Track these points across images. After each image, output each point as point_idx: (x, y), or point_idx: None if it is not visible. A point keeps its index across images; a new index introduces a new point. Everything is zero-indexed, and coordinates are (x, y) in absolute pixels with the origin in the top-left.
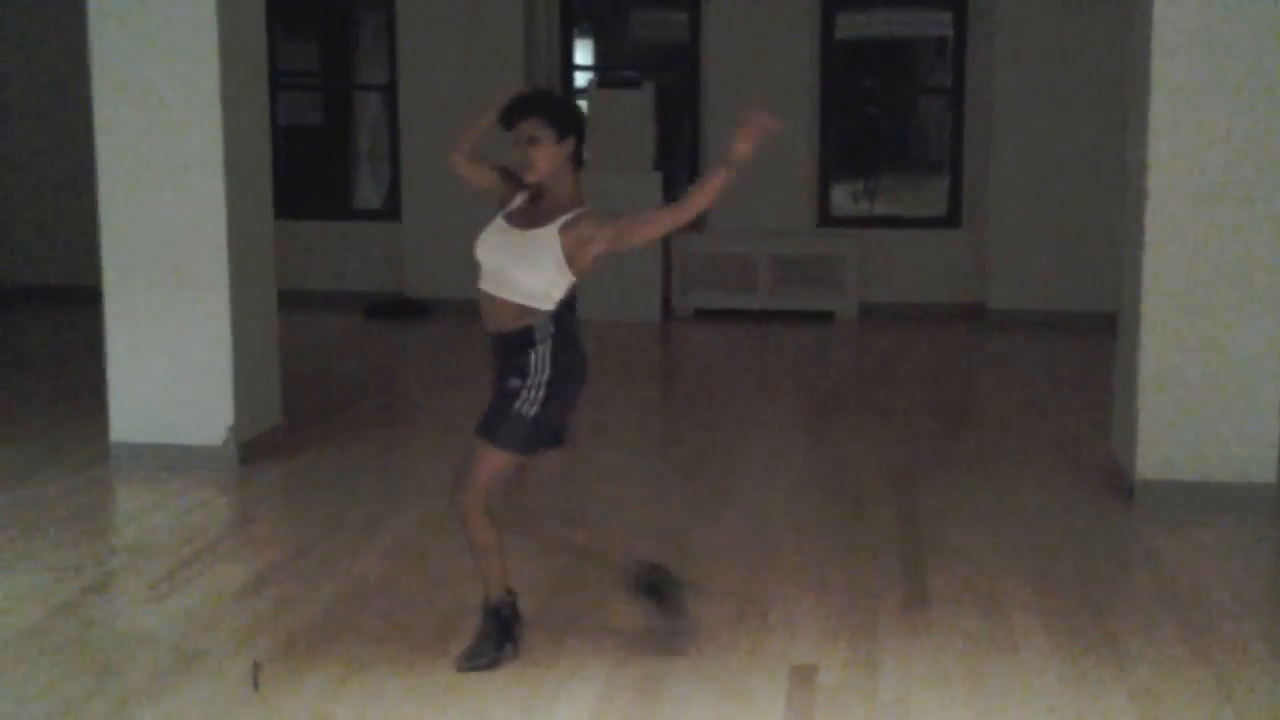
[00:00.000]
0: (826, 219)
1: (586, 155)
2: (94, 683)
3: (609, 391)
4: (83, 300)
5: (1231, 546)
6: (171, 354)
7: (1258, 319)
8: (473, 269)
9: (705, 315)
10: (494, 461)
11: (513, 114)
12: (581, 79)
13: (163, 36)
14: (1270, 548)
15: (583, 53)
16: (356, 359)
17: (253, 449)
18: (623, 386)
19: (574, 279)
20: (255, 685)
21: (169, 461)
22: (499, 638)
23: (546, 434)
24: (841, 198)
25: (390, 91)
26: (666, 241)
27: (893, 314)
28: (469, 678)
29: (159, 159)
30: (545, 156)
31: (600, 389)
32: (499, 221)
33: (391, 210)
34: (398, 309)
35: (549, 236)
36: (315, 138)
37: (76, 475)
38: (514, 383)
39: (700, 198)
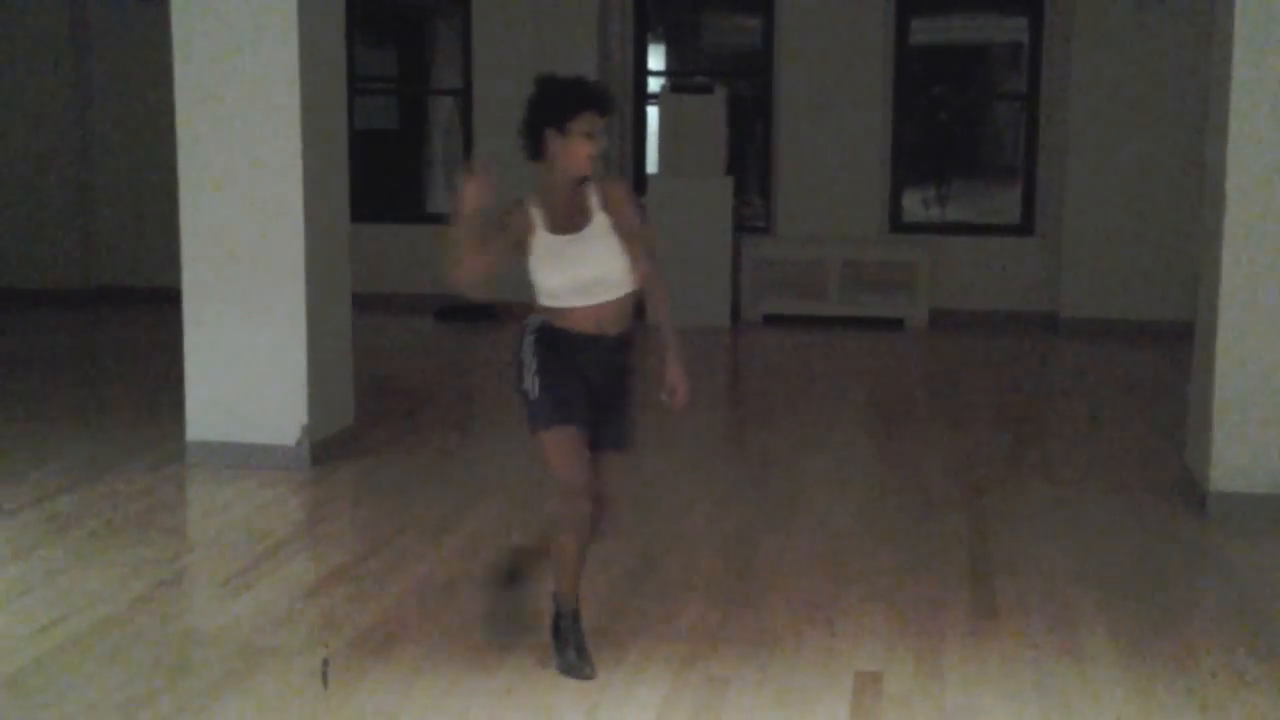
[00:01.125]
0: (898, 225)
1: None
2: (166, 677)
3: None
4: (164, 301)
5: None
6: (247, 354)
7: None
8: None
9: (775, 321)
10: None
11: (593, 104)
12: (654, 83)
13: (243, 42)
14: None
15: (656, 57)
16: (427, 361)
17: (325, 449)
18: (691, 392)
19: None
20: (324, 682)
21: (243, 460)
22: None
23: None
24: (913, 203)
25: (465, 96)
26: (736, 246)
27: (964, 321)
28: (534, 682)
29: (238, 162)
30: (598, 153)
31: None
32: (549, 240)
33: None
34: (468, 312)
35: (599, 224)
36: (391, 142)
37: (153, 472)
38: (632, 383)
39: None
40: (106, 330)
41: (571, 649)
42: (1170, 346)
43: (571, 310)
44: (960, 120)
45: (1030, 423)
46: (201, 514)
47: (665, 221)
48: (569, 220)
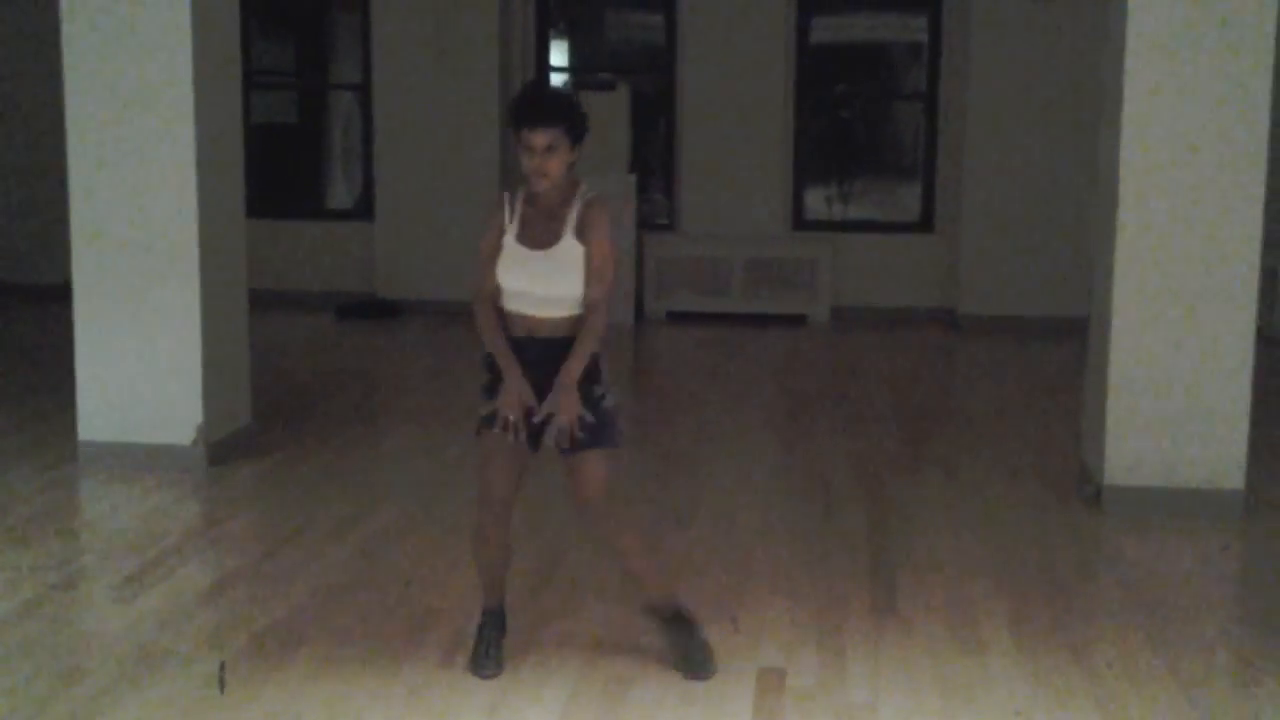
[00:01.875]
0: (800, 222)
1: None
2: (59, 682)
3: None
4: (54, 298)
5: (1199, 552)
6: (141, 353)
7: (1227, 325)
8: (445, 271)
9: (678, 318)
10: (612, 462)
11: (530, 119)
12: (557, 80)
13: (136, 33)
14: (1237, 554)
15: (558, 54)
16: (327, 359)
17: (222, 449)
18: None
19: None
20: (221, 686)
21: (137, 461)
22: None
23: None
24: (815, 201)
25: (364, 91)
26: (640, 244)
27: (865, 318)
28: (435, 683)
29: (130, 156)
30: (559, 168)
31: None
32: (513, 248)
33: (364, 210)
34: (369, 309)
35: (568, 247)
36: (288, 137)
37: (44, 474)
38: (598, 390)
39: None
40: None
41: (482, 645)
42: (1067, 342)
43: (518, 315)
44: (861, 118)
45: (930, 418)
46: (94, 516)
47: None
48: (539, 233)
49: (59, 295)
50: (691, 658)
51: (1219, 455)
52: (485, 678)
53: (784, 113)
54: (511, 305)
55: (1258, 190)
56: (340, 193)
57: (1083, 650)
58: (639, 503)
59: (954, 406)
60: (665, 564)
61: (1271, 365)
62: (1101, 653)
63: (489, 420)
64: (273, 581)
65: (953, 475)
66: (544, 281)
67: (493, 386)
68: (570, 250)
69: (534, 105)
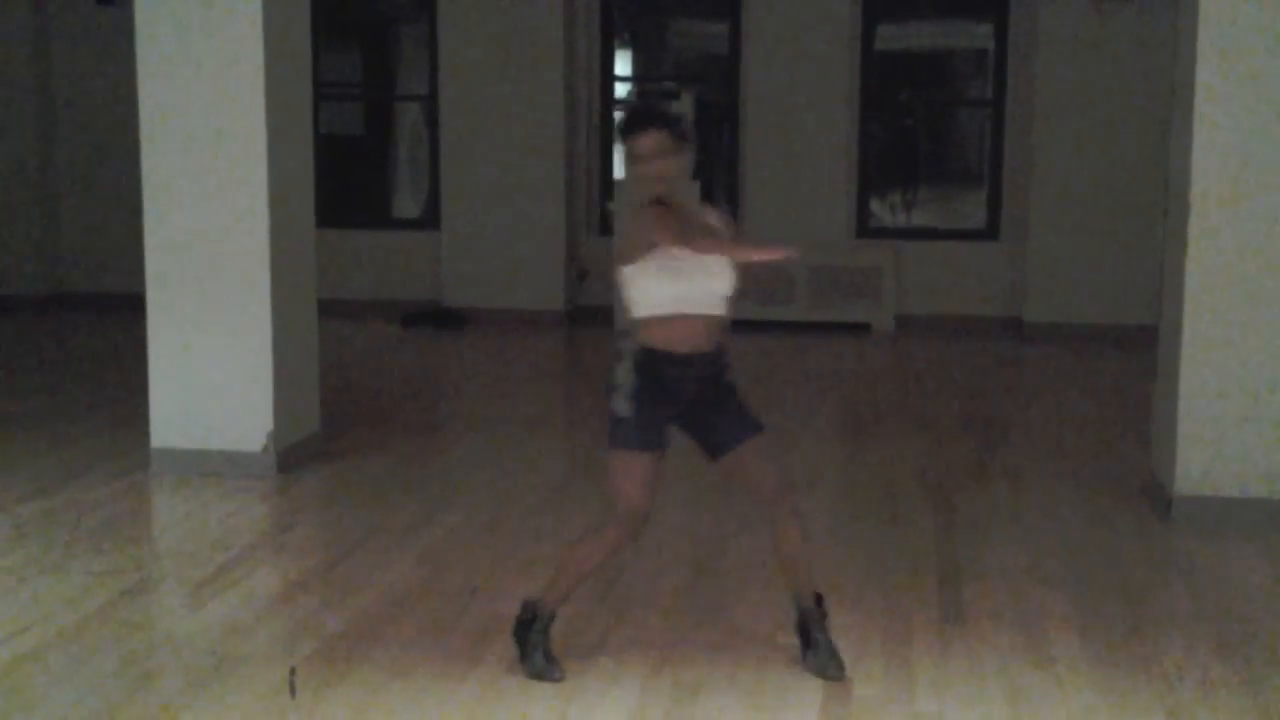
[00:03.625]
0: (864, 230)
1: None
2: (132, 687)
3: None
4: (128, 307)
5: (1271, 564)
6: (212, 361)
7: None
8: (509, 280)
9: (742, 325)
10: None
11: (632, 126)
12: (621, 89)
13: (208, 46)
14: None
15: (622, 63)
16: (394, 368)
17: (291, 456)
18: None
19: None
20: (292, 691)
21: (209, 467)
22: (527, 647)
23: None
24: (879, 209)
25: (431, 102)
26: None
27: (930, 326)
28: (504, 687)
29: (203, 167)
30: (672, 169)
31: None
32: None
33: (430, 220)
34: (435, 318)
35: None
36: (356, 147)
37: (117, 481)
38: (732, 381)
39: (745, 251)
40: (70, 337)
41: (540, 653)
42: (1135, 351)
43: (670, 320)
44: (926, 126)
45: (997, 427)
46: (166, 522)
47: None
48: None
49: (133, 304)
50: (817, 657)
51: None
52: (557, 680)
53: (848, 120)
54: (672, 309)
55: None
56: (407, 203)
57: (1153, 660)
58: (700, 510)
59: (1021, 415)
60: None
61: None
62: (1172, 663)
63: (634, 436)
64: (341, 588)
65: (1020, 485)
66: (705, 273)
67: (644, 410)
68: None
69: (632, 117)
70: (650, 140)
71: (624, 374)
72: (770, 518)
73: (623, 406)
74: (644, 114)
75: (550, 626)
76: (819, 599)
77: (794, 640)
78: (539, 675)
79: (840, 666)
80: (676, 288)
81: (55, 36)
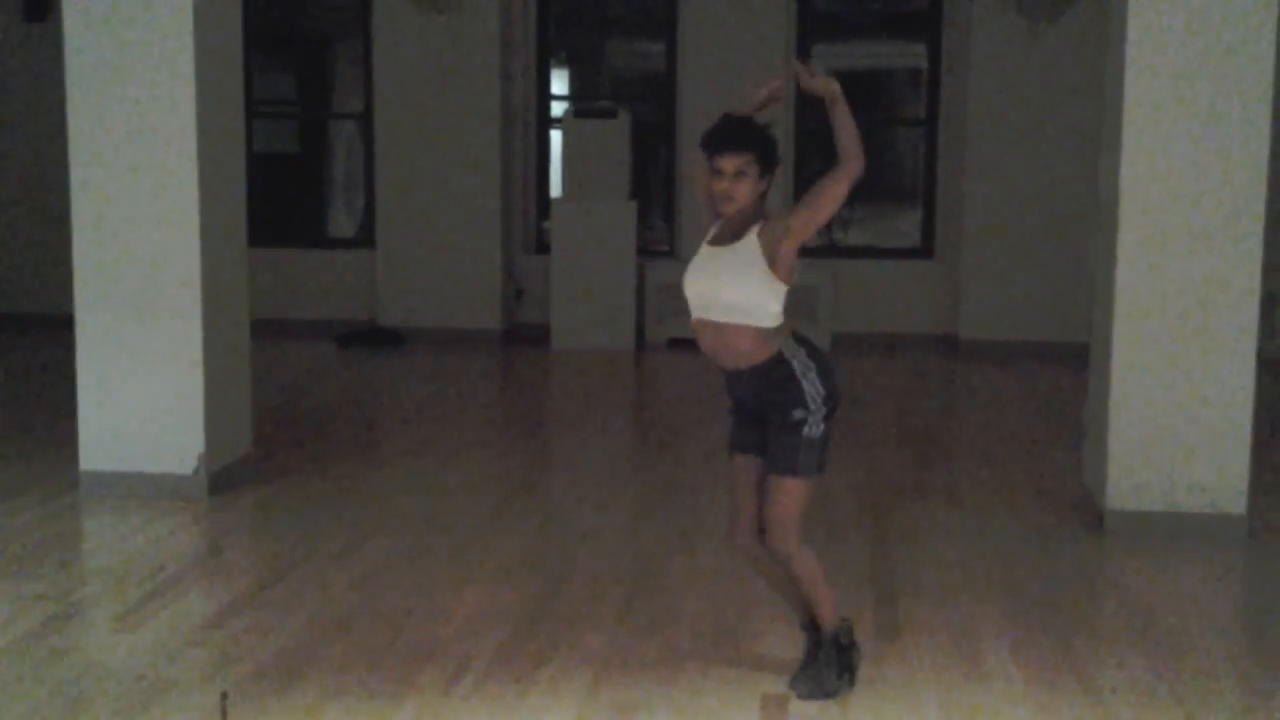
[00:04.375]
0: (800, 249)
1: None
2: (59, 714)
3: (581, 421)
4: (55, 327)
5: (1201, 577)
6: (142, 382)
7: (1228, 350)
8: (446, 299)
9: (679, 344)
10: (800, 493)
11: (722, 144)
12: (558, 108)
13: (139, 64)
14: (1239, 578)
15: (559, 82)
16: (328, 388)
17: (223, 478)
18: (595, 416)
19: (785, 286)
20: (224, 717)
21: (139, 490)
22: (840, 667)
23: (828, 449)
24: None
25: (366, 120)
26: (640, 270)
27: (865, 344)
28: (440, 707)
29: (133, 185)
30: (747, 193)
31: (572, 419)
32: (703, 248)
33: (365, 238)
34: (370, 338)
35: (749, 243)
36: (291, 166)
37: (46, 504)
38: (797, 414)
39: (848, 130)
40: None
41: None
42: (1068, 367)
43: (702, 325)
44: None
45: (932, 443)
46: (96, 546)
47: (569, 246)
48: (721, 239)
49: (61, 325)
50: (813, 676)
51: (1221, 480)
52: (799, 697)
53: (783, 139)
54: (696, 316)
55: (1258, 214)
56: (342, 221)
57: (1087, 676)
58: (641, 526)
59: (956, 432)
60: (833, 594)
61: (1273, 390)
62: (1105, 678)
63: (730, 444)
64: (274, 611)
65: (955, 501)
66: (720, 275)
67: (733, 414)
68: (748, 245)
69: (725, 131)
70: (733, 162)
71: None
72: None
73: None
74: (736, 132)
75: (831, 643)
76: (815, 624)
77: (731, 654)
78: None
79: (799, 687)
80: (690, 289)
81: None
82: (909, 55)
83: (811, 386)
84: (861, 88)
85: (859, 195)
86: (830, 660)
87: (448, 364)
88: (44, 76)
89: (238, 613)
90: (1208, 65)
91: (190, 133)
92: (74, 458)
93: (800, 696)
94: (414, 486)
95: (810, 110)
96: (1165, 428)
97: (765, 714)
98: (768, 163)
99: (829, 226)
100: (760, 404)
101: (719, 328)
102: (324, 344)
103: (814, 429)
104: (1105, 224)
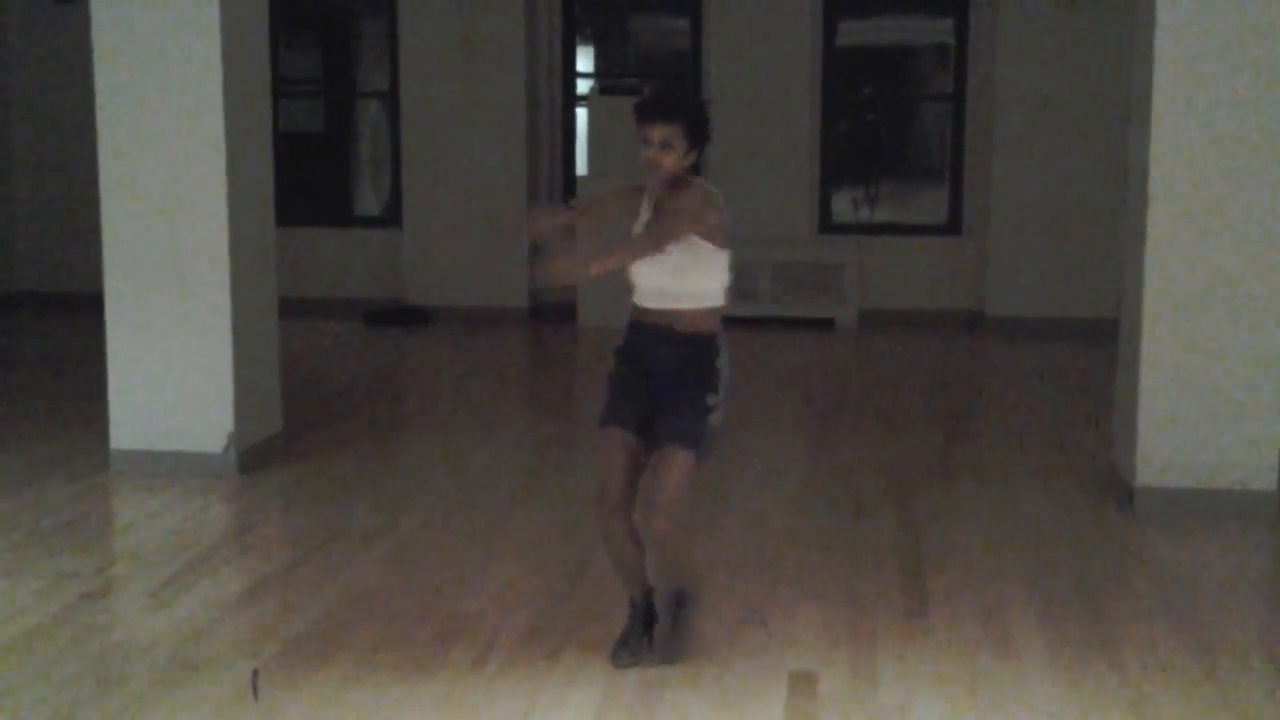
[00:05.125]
0: (827, 226)
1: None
2: (92, 690)
3: None
4: (86, 307)
5: (1231, 553)
6: (172, 361)
7: (1259, 326)
8: (472, 277)
9: None
10: (690, 468)
11: (651, 113)
12: (583, 85)
13: (165, 44)
14: (1269, 554)
15: (584, 59)
16: (356, 366)
17: (253, 456)
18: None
19: (728, 250)
20: (255, 693)
21: (169, 469)
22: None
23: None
24: (842, 205)
25: (391, 98)
26: None
27: (893, 321)
28: (468, 687)
29: (161, 165)
30: (673, 163)
31: (599, 395)
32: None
33: (392, 217)
34: (397, 316)
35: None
36: (316, 144)
37: (76, 483)
38: (711, 399)
39: (635, 253)
40: (27, 337)
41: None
42: (1096, 343)
43: (646, 309)
44: (888, 122)
45: (960, 420)
46: (127, 524)
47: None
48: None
49: (90, 305)
50: (666, 640)
51: (1250, 456)
52: (616, 666)
53: (810, 116)
54: (646, 302)
55: None
56: (368, 200)
57: (1116, 652)
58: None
59: (983, 409)
60: (693, 562)
61: None
62: (1134, 655)
63: (605, 417)
64: (304, 588)
65: (983, 479)
66: (674, 269)
67: (612, 384)
68: (693, 241)
69: (655, 101)
70: (660, 132)
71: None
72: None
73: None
74: (666, 103)
75: (639, 614)
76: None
77: (759, 632)
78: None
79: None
80: (648, 282)
81: (11, 34)
82: (937, 31)
83: (727, 375)
84: (889, 64)
85: (886, 172)
86: (682, 618)
87: (475, 342)
88: (71, 58)
89: (268, 590)
90: (1239, 42)
91: (217, 112)
92: (104, 437)
93: (665, 660)
94: (442, 464)
95: (835, 84)
96: (1194, 405)
97: (793, 690)
98: (697, 136)
99: (854, 204)
100: (675, 375)
101: (679, 314)
102: (351, 323)
103: (717, 416)
104: (1135, 201)
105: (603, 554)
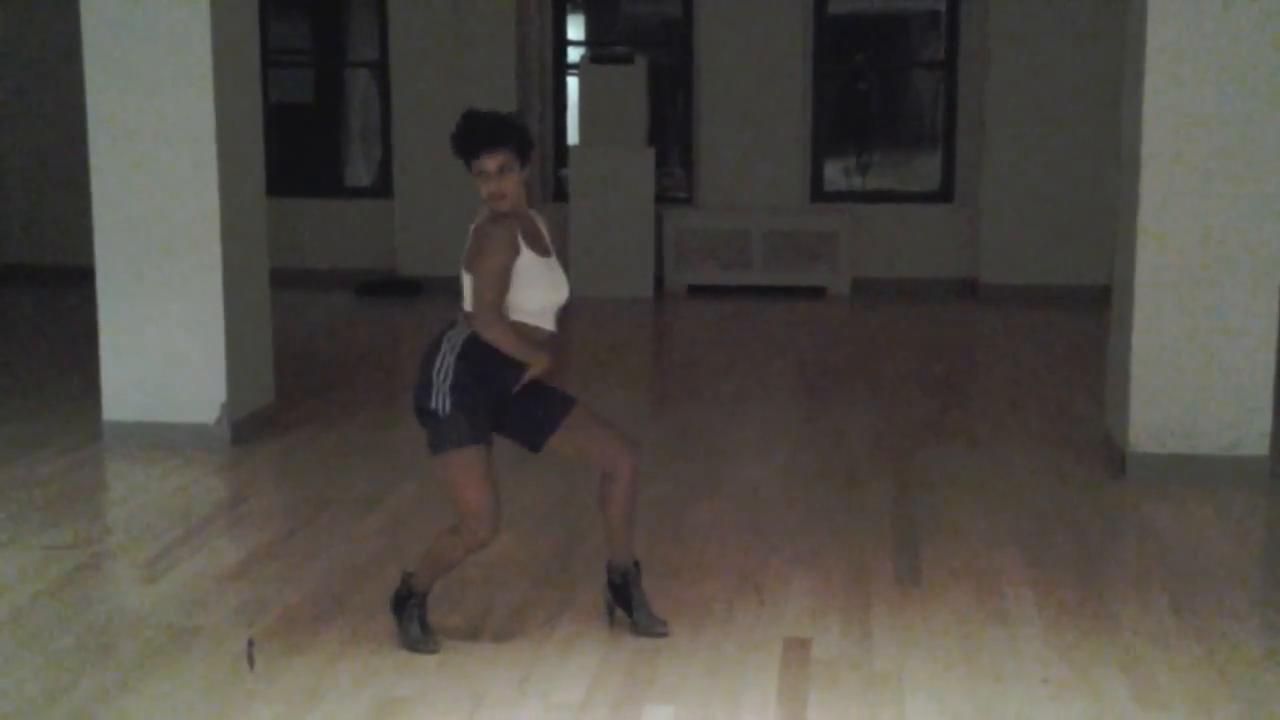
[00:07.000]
0: (819, 194)
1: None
2: (89, 662)
3: (602, 368)
4: (77, 280)
5: (1223, 519)
6: (164, 333)
7: (1251, 292)
8: (461, 246)
9: (698, 291)
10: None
11: (478, 145)
12: (574, 54)
13: (154, 14)
14: (1261, 520)
15: (575, 27)
16: (348, 338)
17: (245, 427)
18: (615, 363)
19: None
20: (251, 663)
21: (162, 440)
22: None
23: None
24: (834, 173)
25: (381, 68)
26: (658, 217)
27: (885, 289)
28: (464, 655)
29: (151, 137)
30: (514, 185)
31: (593, 365)
32: (534, 259)
33: (383, 188)
34: (389, 287)
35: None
36: (306, 115)
37: (69, 454)
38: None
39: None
40: (18, 310)
41: (416, 624)
42: (1088, 311)
43: (538, 330)
44: (880, 89)
45: (953, 388)
46: (120, 496)
47: (587, 193)
48: (538, 242)
49: (78, 277)
50: (644, 617)
51: (1242, 422)
52: (432, 652)
53: (802, 84)
54: (541, 322)
55: None
56: (359, 171)
57: (1108, 618)
58: (661, 475)
59: (976, 376)
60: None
61: None
62: (1127, 620)
63: (470, 436)
64: (299, 558)
65: (976, 445)
66: (563, 288)
67: (466, 401)
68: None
69: (477, 131)
70: (495, 160)
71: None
72: (607, 476)
73: None
74: (487, 129)
75: (425, 602)
76: (636, 563)
77: (753, 598)
78: (414, 646)
79: (663, 623)
80: (558, 298)
81: None
82: None
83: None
84: (880, 31)
85: (879, 140)
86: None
87: None
88: (60, 28)
89: (262, 560)
90: (1230, 10)
91: (207, 82)
92: (97, 408)
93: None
94: None
95: (826, 52)
96: (1187, 371)
97: (787, 656)
98: (524, 152)
99: (846, 172)
100: (534, 385)
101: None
102: (342, 294)
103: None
104: (1127, 167)
105: (598, 525)
